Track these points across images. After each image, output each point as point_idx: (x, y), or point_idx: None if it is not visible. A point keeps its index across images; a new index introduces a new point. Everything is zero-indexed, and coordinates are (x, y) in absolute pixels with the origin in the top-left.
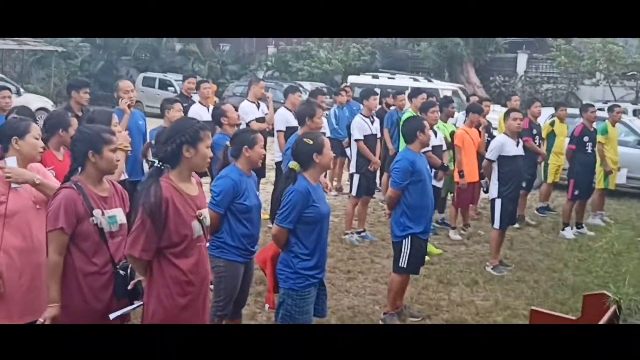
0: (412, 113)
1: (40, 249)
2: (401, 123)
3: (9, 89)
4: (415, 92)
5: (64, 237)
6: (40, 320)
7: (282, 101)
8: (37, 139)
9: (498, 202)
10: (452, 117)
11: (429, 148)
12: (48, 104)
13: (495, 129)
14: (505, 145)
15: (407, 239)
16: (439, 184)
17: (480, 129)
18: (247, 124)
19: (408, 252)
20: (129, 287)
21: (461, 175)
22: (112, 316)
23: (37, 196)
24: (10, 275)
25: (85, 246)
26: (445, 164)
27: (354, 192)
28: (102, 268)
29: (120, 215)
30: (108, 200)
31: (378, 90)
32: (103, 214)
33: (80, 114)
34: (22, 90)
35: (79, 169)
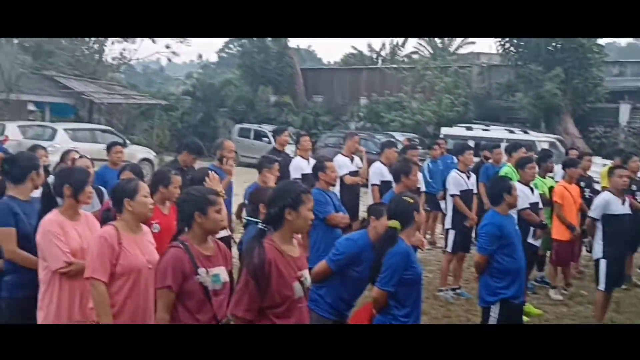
0: (510, 168)
1: (147, 306)
2: (488, 183)
3: (121, 144)
4: (514, 146)
5: (171, 295)
6: None
7: (374, 152)
8: (146, 196)
9: (603, 263)
10: (551, 172)
11: (527, 205)
12: (150, 154)
13: (597, 182)
14: (611, 203)
15: (496, 305)
16: (537, 243)
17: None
18: (341, 178)
19: (497, 317)
20: None
21: (572, 228)
22: None
23: (151, 256)
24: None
25: (190, 304)
26: (543, 222)
27: (449, 248)
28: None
29: (223, 273)
30: (212, 258)
31: (472, 144)
32: (207, 272)
33: (185, 169)
34: (127, 141)
35: (186, 228)
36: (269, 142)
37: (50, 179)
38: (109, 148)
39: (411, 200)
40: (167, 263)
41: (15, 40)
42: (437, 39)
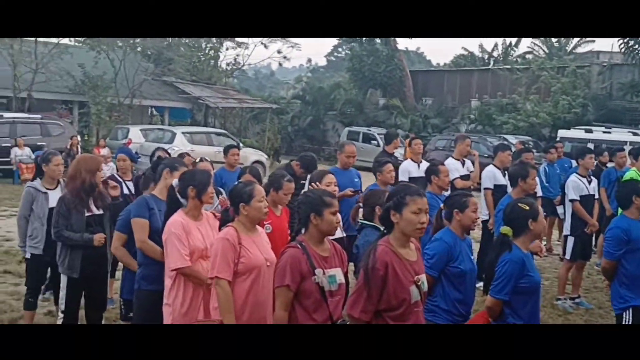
0: (635, 172)
1: (265, 303)
2: (617, 186)
3: (237, 147)
4: None
5: (289, 294)
6: None
7: (485, 155)
8: (261, 201)
9: None
10: None
11: None
12: (263, 157)
13: None
14: None
15: (627, 312)
16: None
17: None
18: (452, 182)
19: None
20: None
21: None
22: None
23: (269, 255)
24: None
25: (307, 303)
26: None
27: (568, 256)
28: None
29: (339, 275)
30: (329, 259)
31: (592, 146)
32: (324, 273)
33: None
34: (241, 144)
35: (303, 229)
36: (378, 145)
37: (174, 181)
38: (226, 151)
39: (527, 207)
40: (286, 262)
41: (139, 49)
42: (553, 38)
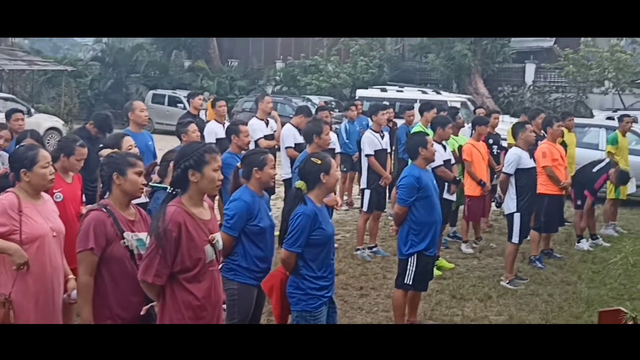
0: (421, 127)
1: (55, 274)
2: (406, 139)
3: (21, 111)
4: (426, 106)
5: (94, 258)
6: None
7: (291, 115)
8: (45, 167)
9: (517, 217)
10: (462, 127)
11: (440, 163)
12: (59, 123)
13: (504, 140)
14: (522, 157)
15: (413, 257)
16: (453, 197)
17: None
18: (256, 142)
19: (414, 269)
20: (142, 313)
21: (482, 184)
22: None
23: (55, 224)
24: (24, 303)
25: (115, 268)
26: (456, 177)
27: (365, 208)
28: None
29: (147, 239)
30: (135, 224)
31: (387, 104)
32: (132, 236)
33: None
34: (32, 110)
35: (108, 193)
36: (184, 108)
37: None
38: (8, 116)
39: (319, 162)
40: (89, 226)
41: None
42: None
